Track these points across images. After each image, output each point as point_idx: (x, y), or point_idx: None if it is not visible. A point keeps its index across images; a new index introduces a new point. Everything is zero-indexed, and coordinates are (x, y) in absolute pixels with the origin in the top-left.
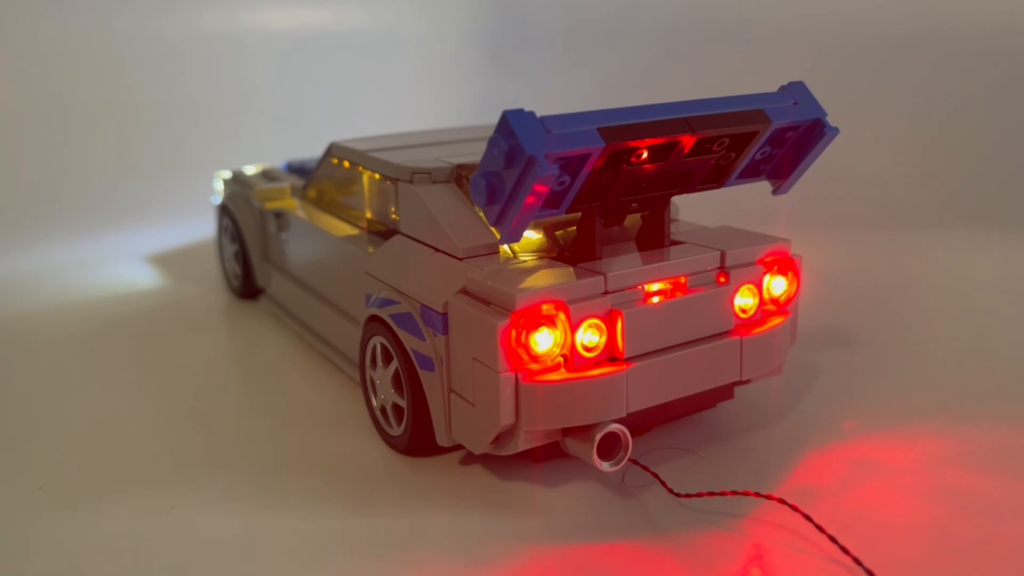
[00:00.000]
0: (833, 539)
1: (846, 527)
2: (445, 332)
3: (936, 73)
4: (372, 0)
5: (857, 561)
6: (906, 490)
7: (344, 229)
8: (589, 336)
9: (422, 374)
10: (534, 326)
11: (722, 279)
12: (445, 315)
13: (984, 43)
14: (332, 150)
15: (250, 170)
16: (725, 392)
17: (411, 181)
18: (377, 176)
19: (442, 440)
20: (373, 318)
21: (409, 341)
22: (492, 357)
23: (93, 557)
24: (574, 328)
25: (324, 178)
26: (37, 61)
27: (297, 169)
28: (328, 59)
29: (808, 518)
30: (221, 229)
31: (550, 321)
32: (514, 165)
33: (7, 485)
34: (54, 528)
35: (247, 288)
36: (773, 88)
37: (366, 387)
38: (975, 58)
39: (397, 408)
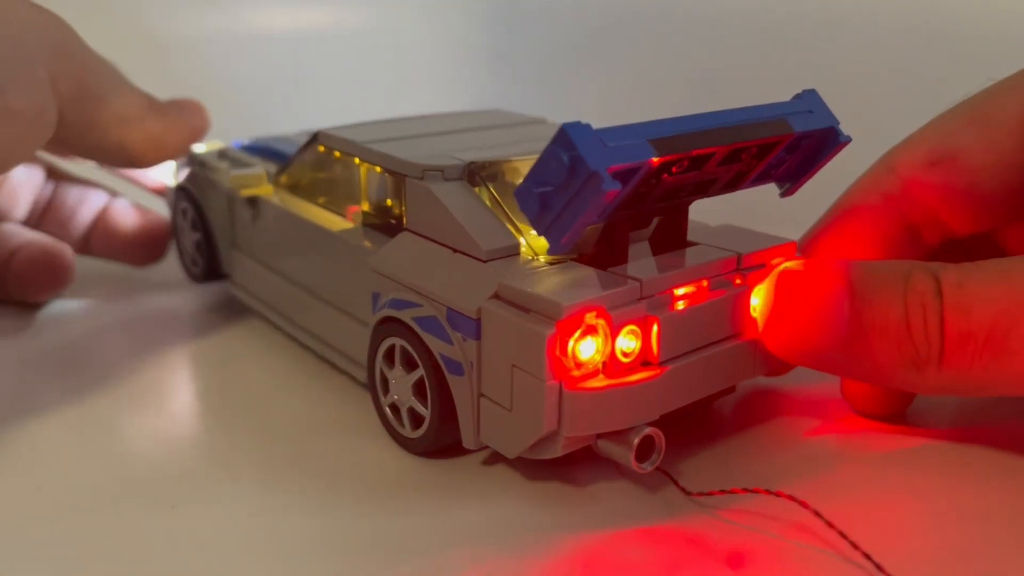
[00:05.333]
0: (843, 534)
1: (855, 523)
2: (477, 337)
3: (942, 76)
4: (372, 0)
5: (867, 556)
6: (916, 486)
7: (329, 220)
8: (627, 342)
9: (450, 378)
10: (579, 335)
11: (738, 281)
12: (478, 321)
13: (995, 46)
14: (320, 138)
15: (201, 149)
16: (729, 387)
17: (422, 178)
18: (378, 170)
19: (469, 443)
20: (389, 320)
21: (436, 345)
22: (537, 366)
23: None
24: (614, 335)
25: (305, 165)
26: None
27: (250, 149)
28: (328, 59)
29: (818, 514)
30: (178, 212)
31: (593, 329)
32: (575, 179)
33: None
34: (59, 529)
35: (208, 274)
36: (773, 90)
37: (375, 387)
38: (985, 61)
39: (414, 412)
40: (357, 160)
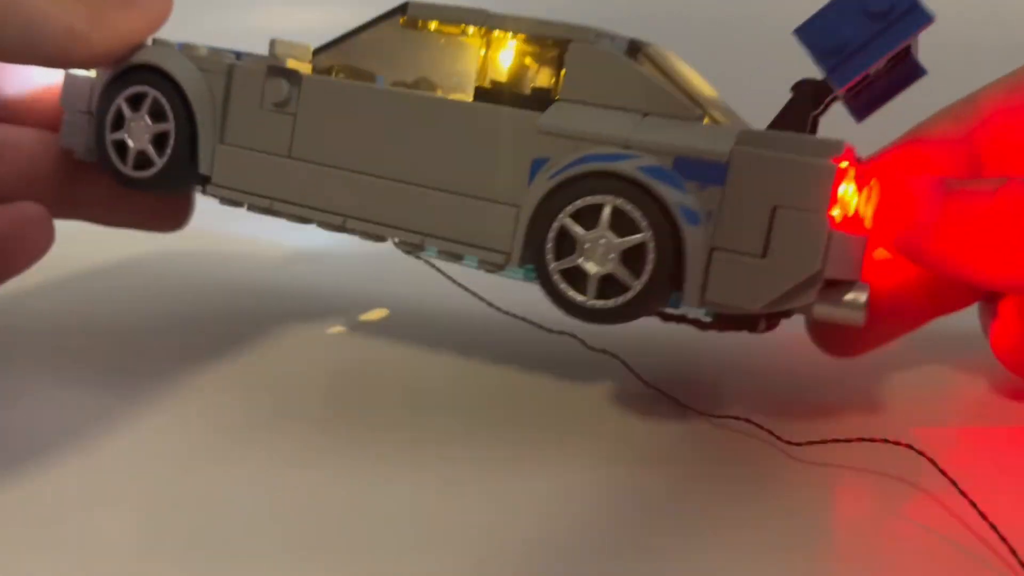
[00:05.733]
0: (954, 483)
1: (968, 473)
2: (722, 183)
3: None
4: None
5: (973, 504)
6: None
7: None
8: (858, 197)
9: (687, 230)
10: (845, 176)
11: None
12: (727, 165)
13: None
14: (410, 9)
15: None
16: None
17: (592, 42)
18: (521, 37)
19: (691, 300)
20: (587, 177)
21: (671, 195)
22: (816, 202)
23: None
24: (860, 186)
25: (363, 44)
26: None
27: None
28: None
29: (933, 462)
30: (114, 102)
31: (846, 174)
32: (894, 10)
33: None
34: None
35: (167, 178)
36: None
37: (543, 256)
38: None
39: (609, 279)
40: (483, 29)
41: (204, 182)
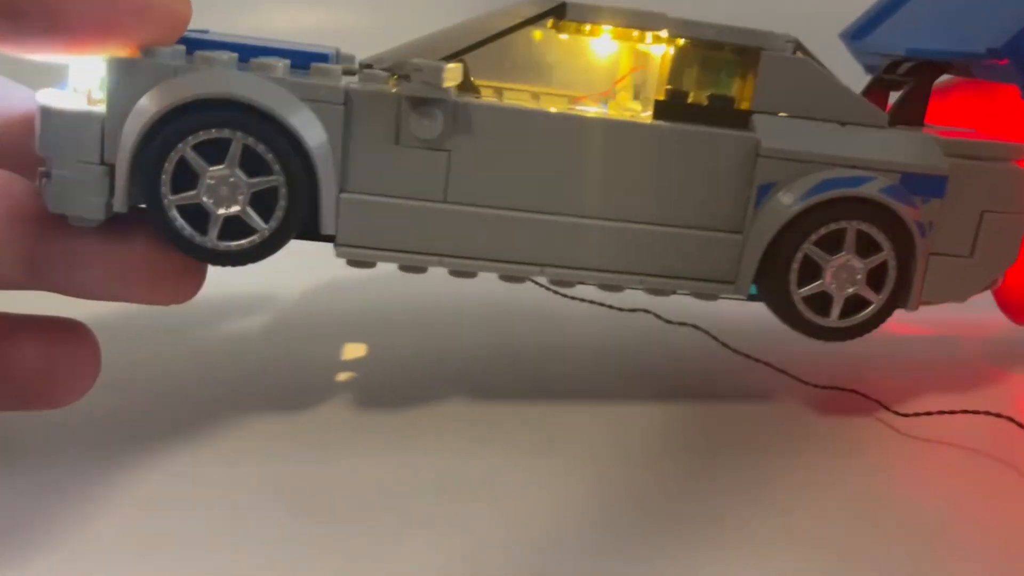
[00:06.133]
0: None
1: None
2: (942, 195)
3: None
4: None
5: None
6: None
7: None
8: None
9: (920, 243)
10: None
11: None
12: (946, 178)
13: None
14: (569, 11)
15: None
16: None
17: (782, 50)
18: (699, 44)
19: (911, 305)
20: (827, 204)
21: (907, 212)
22: (1018, 203)
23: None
24: None
25: (505, 51)
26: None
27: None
28: None
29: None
30: (174, 149)
31: None
32: None
33: None
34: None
35: (275, 243)
36: None
37: (787, 282)
38: None
39: (852, 299)
40: (657, 35)
41: (321, 240)
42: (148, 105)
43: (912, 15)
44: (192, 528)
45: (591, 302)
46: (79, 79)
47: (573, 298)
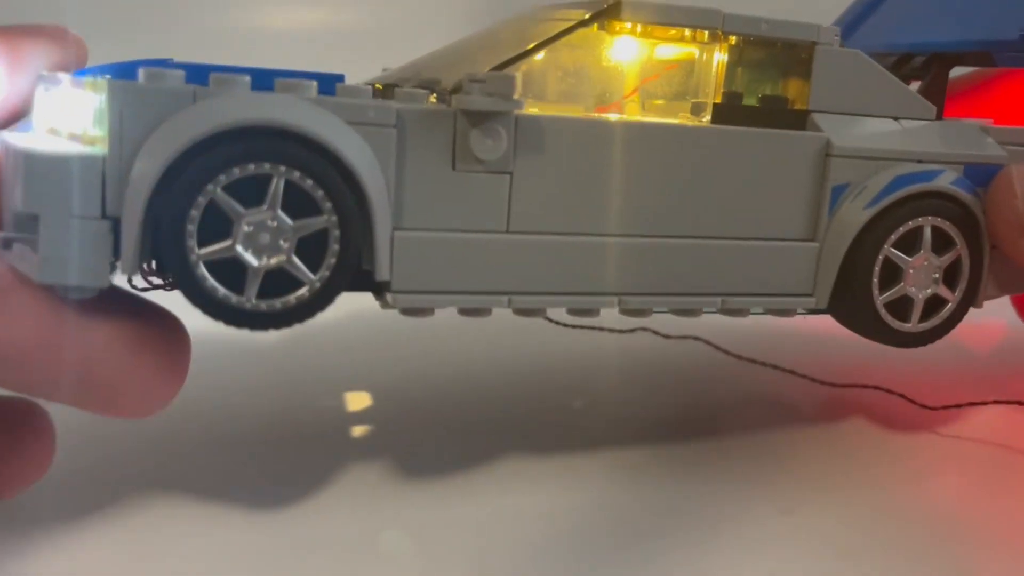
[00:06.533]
0: None
1: None
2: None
3: None
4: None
5: None
6: None
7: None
8: None
9: (985, 234)
10: None
11: None
12: (1002, 166)
13: None
14: (624, 11)
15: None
16: None
17: (832, 43)
18: (752, 41)
19: (978, 302)
20: (914, 197)
21: (974, 204)
22: None
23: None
24: None
25: (556, 57)
26: None
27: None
28: (327, 58)
29: None
30: (201, 191)
31: None
32: None
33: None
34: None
35: (327, 299)
36: None
37: (869, 288)
38: None
39: (930, 300)
40: (714, 33)
41: (373, 288)
42: (165, 140)
43: (908, 10)
44: None
45: (591, 328)
46: (48, 115)
47: (575, 326)
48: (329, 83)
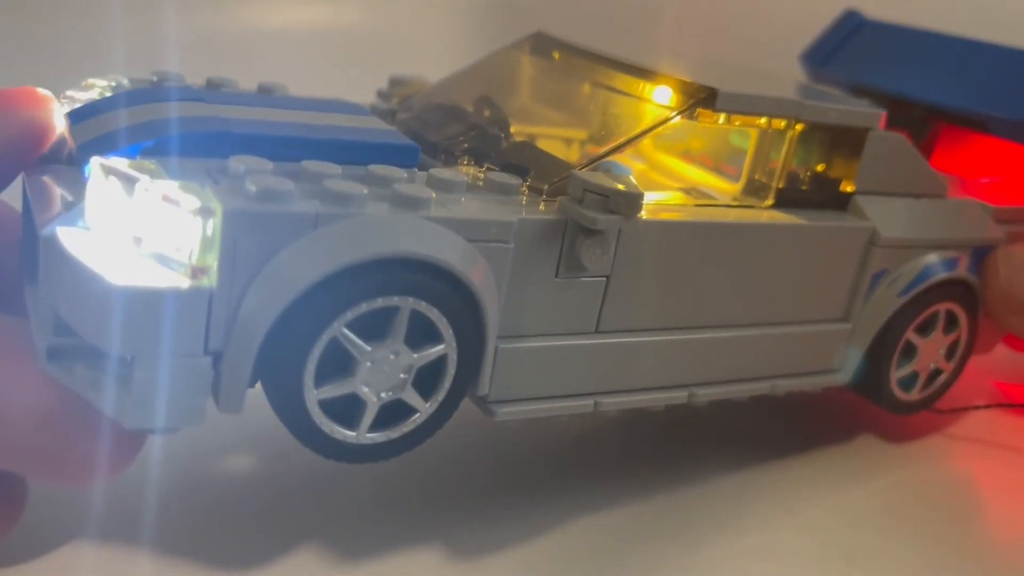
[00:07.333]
0: None
1: None
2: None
3: None
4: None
5: None
6: None
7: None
8: None
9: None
10: None
11: None
12: (993, 245)
13: None
14: (720, 100)
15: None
16: None
17: (882, 128)
18: (815, 127)
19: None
20: (937, 285)
21: (978, 285)
22: None
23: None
24: None
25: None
26: (42, 61)
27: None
28: (327, 57)
29: None
30: (326, 330)
31: None
32: None
33: None
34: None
35: (435, 426)
36: None
37: (889, 365)
38: None
39: (934, 372)
40: (785, 121)
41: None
42: (286, 275)
43: (917, 61)
44: None
45: None
46: (115, 216)
47: None
48: (412, 156)
